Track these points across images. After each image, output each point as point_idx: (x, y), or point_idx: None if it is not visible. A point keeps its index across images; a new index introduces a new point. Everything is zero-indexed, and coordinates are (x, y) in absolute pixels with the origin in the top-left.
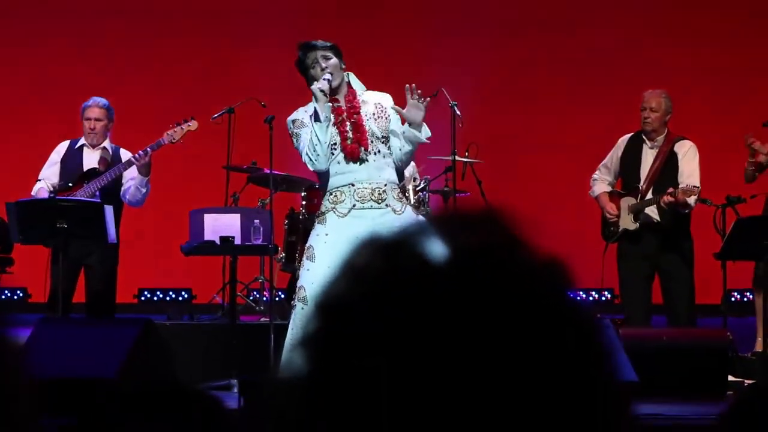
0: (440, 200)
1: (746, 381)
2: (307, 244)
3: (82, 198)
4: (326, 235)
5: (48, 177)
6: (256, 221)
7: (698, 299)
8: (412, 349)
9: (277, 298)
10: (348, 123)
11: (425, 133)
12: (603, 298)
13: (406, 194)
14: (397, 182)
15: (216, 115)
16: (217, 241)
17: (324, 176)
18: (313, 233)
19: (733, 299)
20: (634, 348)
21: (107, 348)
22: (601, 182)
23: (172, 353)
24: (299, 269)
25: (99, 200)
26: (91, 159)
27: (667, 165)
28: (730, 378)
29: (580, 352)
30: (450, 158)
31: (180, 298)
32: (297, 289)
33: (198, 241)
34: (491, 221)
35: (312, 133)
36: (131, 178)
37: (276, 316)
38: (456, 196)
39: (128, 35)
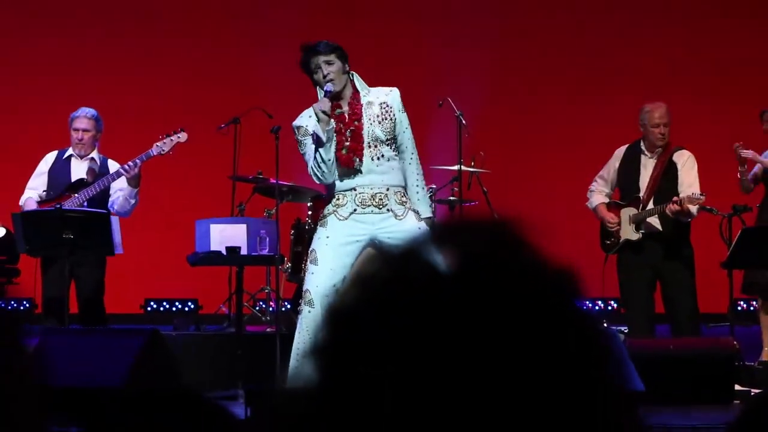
0: (446, 210)
1: (753, 390)
2: (310, 248)
3: (89, 209)
4: (327, 237)
5: (36, 187)
6: (263, 231)
7: (704, 308)
8: (420, 357)
9: (283, 308)
10: (348, 130)
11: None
12: (609, 308)
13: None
14: (402, 185)
15: (222, 126)
16: (224, 252)
17: (331, 186)
18: (315, 236)
19: (739, 308)
20: (640, 357)
21: (114, 358)
22: (598, 193)
23: (178, 363)
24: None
25: (103, 210)
26: (79, 169)
27: (667, 175)
28: (737, 387)
29: (588, 361)
30: (456, 168)
31: (186, 309)
32: (303, 293)
33: (204, 252)
34: (499, 229)
35: (317, 154)
36: (119, 189)
37: (282, 326)
38: (462, 205)
39: (132, 44)
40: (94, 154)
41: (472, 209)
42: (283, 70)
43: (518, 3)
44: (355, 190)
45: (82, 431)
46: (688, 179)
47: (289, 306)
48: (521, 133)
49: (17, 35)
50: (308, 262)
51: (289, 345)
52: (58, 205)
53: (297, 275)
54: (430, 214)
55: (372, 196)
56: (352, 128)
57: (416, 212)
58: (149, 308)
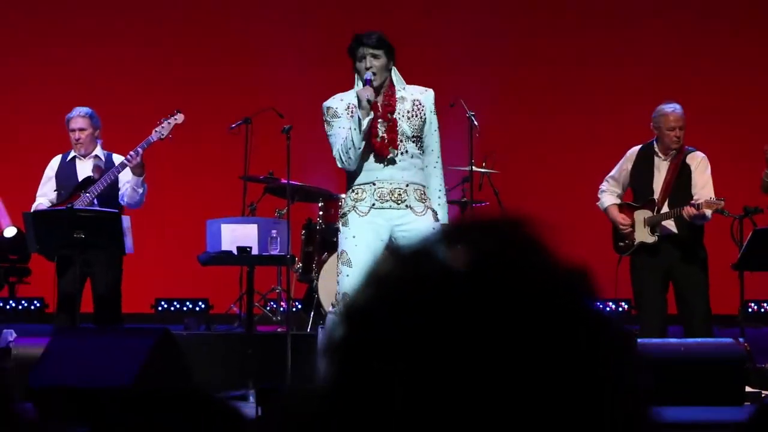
0: (457, 210)
1: (763, 392)
2: (339, 249)
3: (100, 208)
4: (354, 237)
5: (45, 194)
6: (274, 231)
7: (715, 310)
8: (432, 355)
9: (294, 309)
10: (381, 121)
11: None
12: (620, 309)
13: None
14: (423, 183)
15: (233, 126)
16: (235, 252)
17: (351, 173)
18: (341, 237)
19: (750, 310)
20: (651, 359)
21: (124, 358)
22: (610, 194)
23: (189, 363)
24: (316, 280)
25: (99, 208)
26: (84, 169)
27: (681, 177)
28: (748, 389)
29: (600, 361)
30: (467, 168)
31: (197, 308)
32: (338, 295)
33: (215, 251)
34: (511, 228)
35: (348, 137)
36: (127, 180)
37: (293, 326)
38: (473, 206)
39: (143, 44)
40: (98, 152)
41: (483, 210)
42: (294, 71)
43: (531, 4)
44: (374, 184)
45: (89, 430)
46: (702, 181)
47: (300, 306)
48: (533, 133)
49: (23, 35)
50: (340, 264)
51: (300, 345)
52: (70, 205)
53: (308, 275)
54: (446, 221)
55: (391, 192)
56: (387, 120)
57: (435, 212)
58: (160, 308)
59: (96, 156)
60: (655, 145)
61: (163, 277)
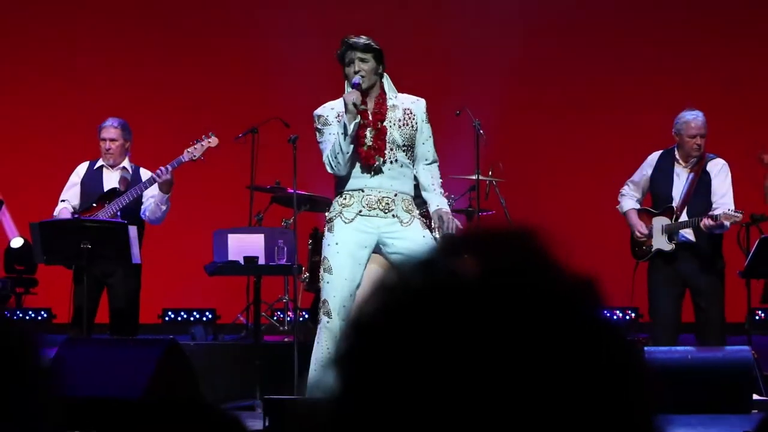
0: (464, 220)
1: None
2: (322, 255)
3: (106, 218)
4: (336, 244)
5: (69, 199)
6: (280, 241)
7: None
8: (441, 367)
9: (301, 318)
10: (369, 129)
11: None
12: (627, 317)
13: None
14: (411, 193)
15: (239, 135)
16: (241, 261)
17: (340, 178)
18: (324, 242)
19: (757, 317)
20: (658, 367)
21: (132, 368)
22: (630, 198)
23: (196, 373)
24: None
25: (122, 220)
26: (111, 179)
27: (701, 184)
28: (755, 397)
29: (612, 372)
30: (473, 177)
31: (204, 318)
32: (321, 303)
33: (222, 261)
34: (522, 239)
35: (336, 142)
36: (151, 195)
37: (300, 336)
38: (480, 215)
39: (153, 54)
40: (126, 163)
41: (489, 218)
42: (300, 80)
43: (538, 13)
44: (362, 191)
45: None
46: (721, 189)
47: (306, 316)
48: (539, 142)
49: (47, 47)
50: (322, 270)
51: (307, 355)
52: (77, 215)
53: (315, 285)
54: (447, 208)
55: (379, 200)
56: (375, 128)
57: (422, 220)
58: (167, 318)
59: (124, 168)
60: (676, 152)
61: (171, 288)
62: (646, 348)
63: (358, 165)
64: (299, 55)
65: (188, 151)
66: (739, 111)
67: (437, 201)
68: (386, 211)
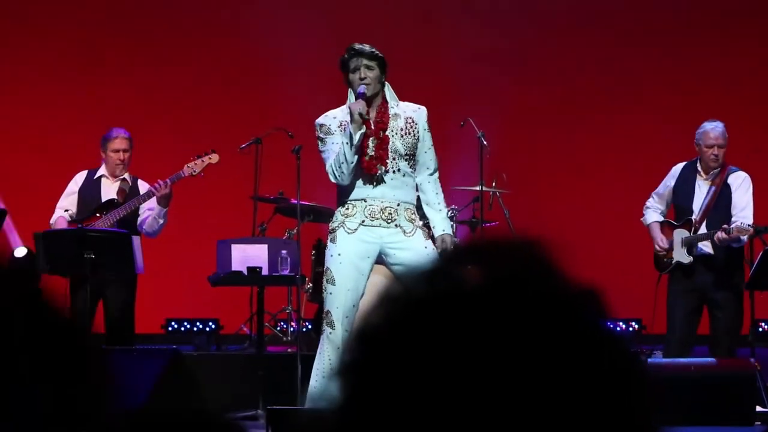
0: (468, 231)
1: None
2: (325, 266)
3: (111, 228)
4: (339, 255)
5: (66, 207)
6: (284, 252)
7: None
8: (446, 377)
9: (304, 329)
10: (372, 138)
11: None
12: (630, 329)
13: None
14: (413, 202)
15: (243, 146)
16: (245, 272)
17: (343, 188)
18: (327, 253)
19: (760, 329)
20: (660, 378)
21: (135, 378)
22: (654, 211)
23: (199, 383)
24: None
25: (124, 230)
26: (109, 190)
27: (721, 197)
28: (758, 409)
29: (614, 382)
30: (477, 188)
31: (207, 329)
32: (324, 314)
33: (225, 272)
34: (525, 250)
35: (341, 152)
36: (149, 208)
37: (303, 346)
38: (483, 226)
39: (154, 64)
40: (126, 175)
41: (493, 229)
42: (303, 90)
43: (543, 23)
44: (365, 201)
45: None
46: (742, 202)
47: (310, 326)
48: (543, 153)
49: (47, 47)
50: (324, 281)
51: (310, 365)
52: (80, 225)
53: (318, 295)
54: (450, 231)
55: (382, 210)
56: (378, 137)
57: (425, 230)
58: (170, 328)
59: (124, 179)
60: (698, 164)
61: (174, 298)
62: (649, 359)
63: (360, 175)
64: (303, 65)
65: (188, 167)
66: (739, 111)
67: (442, 226)
68: (389, 220)
